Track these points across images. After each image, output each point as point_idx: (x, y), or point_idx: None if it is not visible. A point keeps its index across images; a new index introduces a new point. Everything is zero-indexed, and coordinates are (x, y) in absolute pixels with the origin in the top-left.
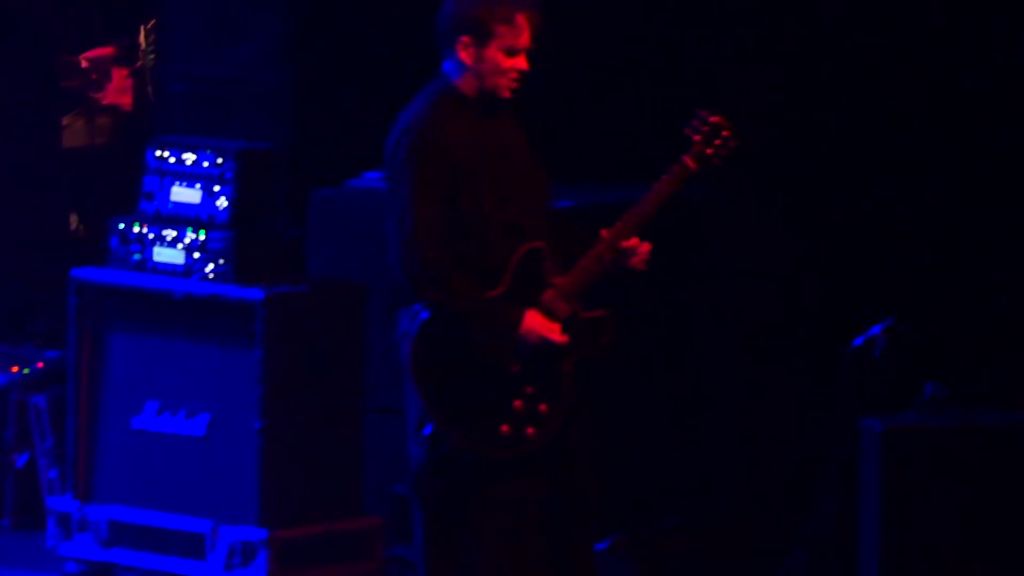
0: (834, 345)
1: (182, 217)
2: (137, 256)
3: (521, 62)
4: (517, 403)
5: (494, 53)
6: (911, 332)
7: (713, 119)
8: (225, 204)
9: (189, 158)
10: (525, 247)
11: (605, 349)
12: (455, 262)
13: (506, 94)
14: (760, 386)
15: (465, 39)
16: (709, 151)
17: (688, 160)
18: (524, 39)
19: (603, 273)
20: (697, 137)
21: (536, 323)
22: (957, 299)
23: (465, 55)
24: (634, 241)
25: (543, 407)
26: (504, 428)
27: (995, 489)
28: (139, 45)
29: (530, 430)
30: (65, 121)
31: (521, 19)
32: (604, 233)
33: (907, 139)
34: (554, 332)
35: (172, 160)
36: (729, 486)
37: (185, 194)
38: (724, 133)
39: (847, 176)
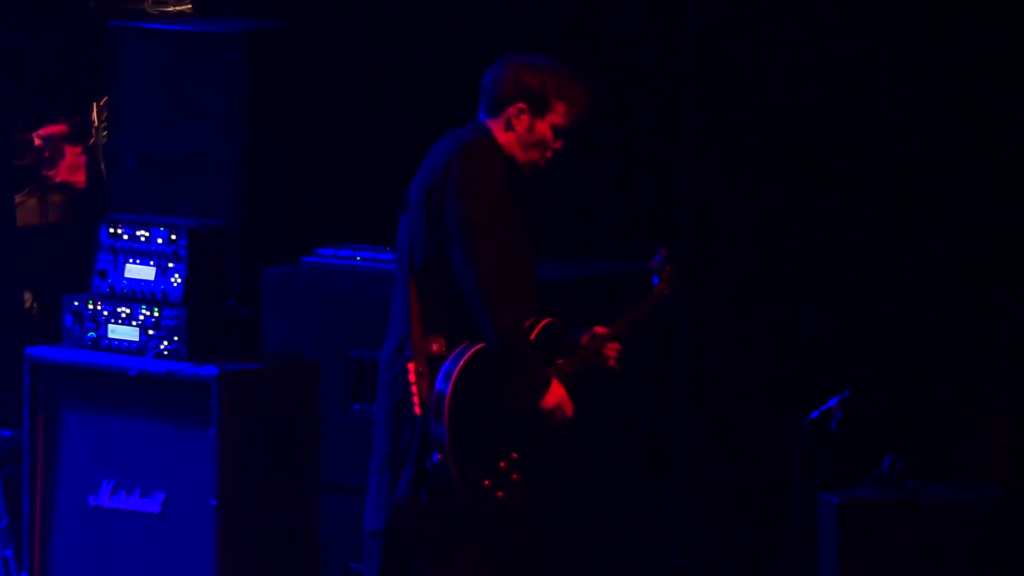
0: (791, 418)
1: (136, 294)
2: (92, 334)
3: (560, 144)
4: (503, 464)
5: (545, 128)
6: (867, 405)
7: (664, 251)
8: (179, 281)
9: (143, 235)
10: (548, 319)
11: (558, 440)
12: (520, 294)
13: (529, 171)
14: (717, 458)
15: (522, 105)
16: (671, 285)
17: (663, 287)
18: (572, 120)
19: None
20: (668, 268)
21: (559, 395)
22: (913, 372)
23: (517, 122)
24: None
25: (515, 476)
26: (487, 483)
27: (953, 563)
28: (92, 122)
29: (500, 493)
30: (18, 199)
31: (579, 99)
32: (598, 329)
33: (863, 216)
34: (569, 406)
35: (126, 237)
36: (686, 560)
37: (139, 271)
38: (667, 269)
39: (802, 251)
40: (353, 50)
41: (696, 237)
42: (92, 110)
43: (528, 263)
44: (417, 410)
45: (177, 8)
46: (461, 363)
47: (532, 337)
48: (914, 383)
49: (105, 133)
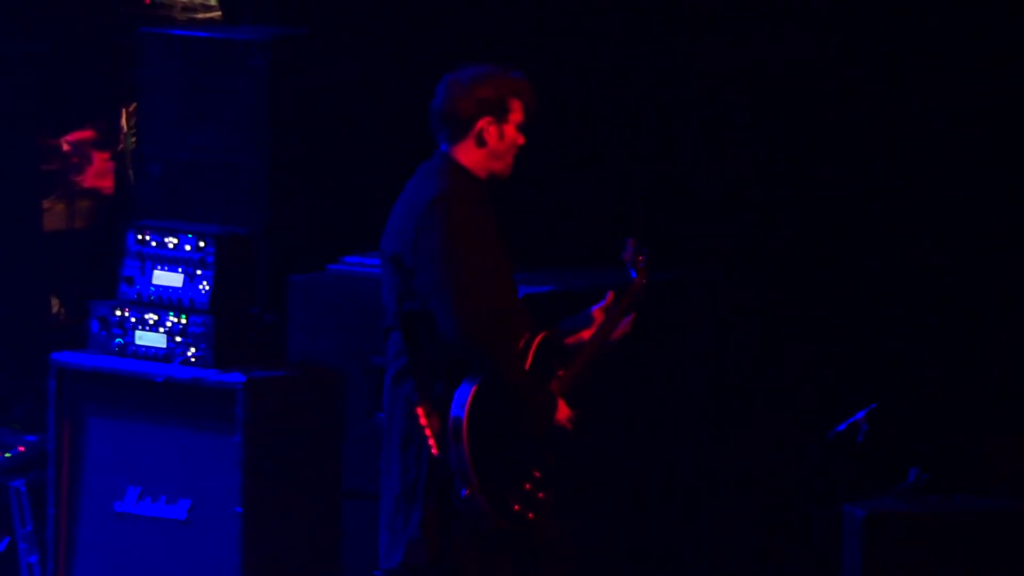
0: (817, 430)
1: (163, 301)
2: (118, 340)
3: (522, 138)
4: (527, 486)
5: (511, 130)
6: (894, 417)
7: (645, 250)
8: (206, 288)
9: (171, 242)
10: (542, 334)
11: (575, 450)
12: (506, 331)
13: (506, 176)
14: (742, 471)
15: (488, 118)
16: (646, 275)
17: (641, 279)
18: (528, 112)
19: (594, 369)
20: (640, 257)
21: (565, 412)
22: (940, 385)
23: (488, 135)
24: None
25: (541, 495)
26: (516, 507)
27: (977, 575)
28: (120, 128)
29: (531, 514)
30: (46, 204)
31: (528, 91)
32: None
33: (894, 228)
34: (572, 423)
35: (153, 244)
36: (711, 572)
37: (166, 278)
38: (640, 256)
39: (830, 260)
40: (379, 57)
41: (719, 247)
42: (120, 116)
43: (510, 285)
44: (435, 451)
45: (206, 15)
46: (471, 393)
47: (529, 358)
48: (940, 396)
49: (133, 139)
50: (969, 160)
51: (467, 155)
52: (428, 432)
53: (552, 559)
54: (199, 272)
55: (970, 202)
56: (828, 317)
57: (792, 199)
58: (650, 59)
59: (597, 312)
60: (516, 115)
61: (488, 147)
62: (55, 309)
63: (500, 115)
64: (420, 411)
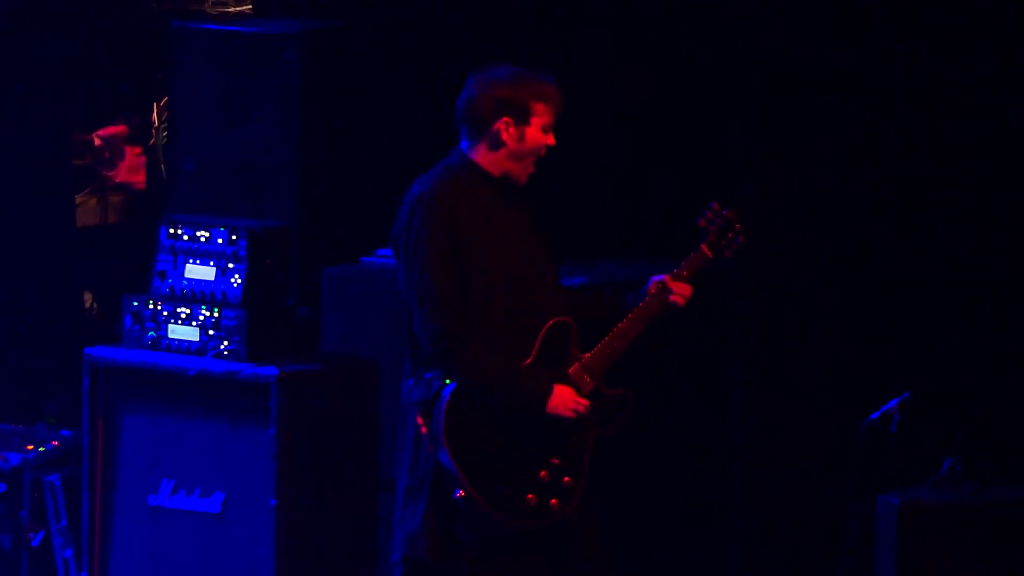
0: (851, 420)
1: (196, 295)
2: (151, 334)
3: (552, 139)
4: (543, 473)
5: (535, 132)
6: (928, 406)
7: (727, 213)
8: (239, 282)
9: (203, 236)
10: (552, 321)
11: (624, 427)
12: (476, 333)
13: (525, 178)
14: (775, 459)
15: (507, 119)
16: (723, 243)
17: (705, 248)
18: (553, 115)
19: (630, 347)
20: (712, 228)
21: (566, 394)
22: (975, 374)
23: (507, 136)
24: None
25: (567, 479)
26: (530, 497)
27: (1012, 565)
28: (152, 123)
29: (554, 501)
30: (78, 199)
31: (553, 95)
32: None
33: (929, 210)
34: (581, 405)
35: (186, 238)
36: (744, 562)
37: (199, 272)
38: (736, 227)
39: (865, 250)
40: (411, 49)
41: (752, 233)
42: (152, 111)
43: (515, 282)
44: (431, 448)
45: (237, 9)
46: (448, 396)
47: (535, 348)
48: (974, 385)
49: (165, 134)
50: (1003, 145)
51: (483, 154)
52: (424, 431)
53: (580, 548)
54: (232, 265)
55: (1007, 189)
56: (861, 304)
57: (826, 183)
58: (693, 51)
59: (652, 285)
60: (539, 119)
61: (507, 148)
62: (88, 304)
63: (520, 117)
64: (418, 413)
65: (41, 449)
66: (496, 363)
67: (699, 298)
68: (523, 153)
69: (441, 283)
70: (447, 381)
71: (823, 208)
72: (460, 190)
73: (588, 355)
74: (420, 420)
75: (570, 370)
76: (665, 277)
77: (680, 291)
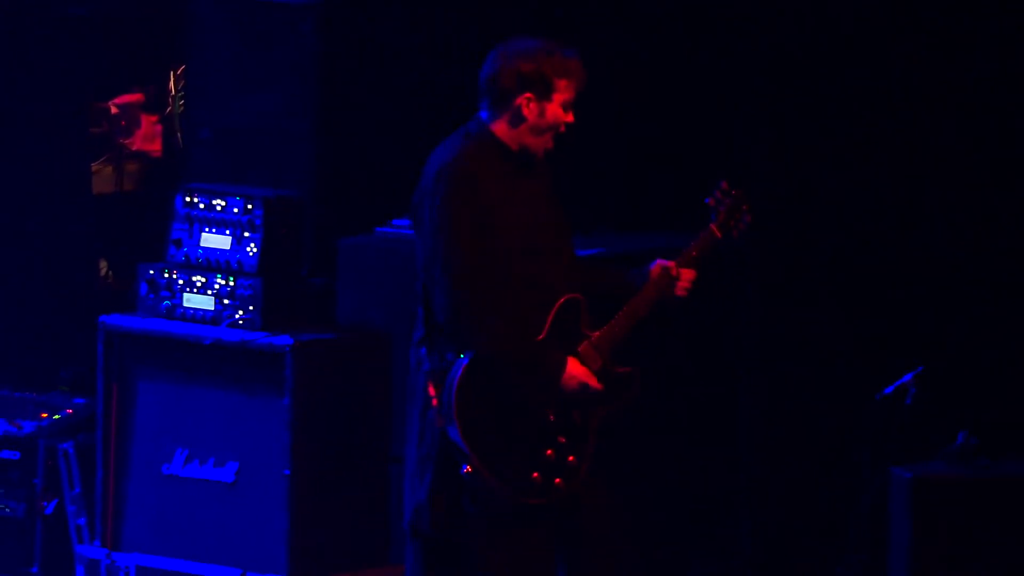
0: (864, 393)
1: (211, 264)
2: (167, 303)
3: (572, 117)
4: (549, 452)
5: (555, 108)
6: (942, 380)
7: (735, 192)
8: (254, 251)
9: (219, 204)
10: (564, 297)
11: (630, 404)
12: (496, 306)
13: (543, 153)
14: (787, 432)
15: (529, 95)
16: (731, 223)
17: (715, 228)
18: (576, 92)
19: (636, 327)
20: (722, 208)
21: (578, 371)
22: (989, 347)
23: (527, 112)
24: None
25: (572, 458)
26: (535, 475)
27: None
28: (168, 91)
29: (558, 480)
30: (94, 167)
31: (577, 71)
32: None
33: (942, 187)
34: (593, 380)
35: (202, 206)
36: (756, 535)
37: (215, 240)
38: (744, 207)
39: (878, 223)
40: (427, 19)
41: (767, 208)
42: (169, 79)
43: (531, 256)
44: (439, 422)
45: None
46: (462, 370)
47: (547, 324)
48: (988, 359)
49: (181, 102)
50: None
51: (503, 127)
52: (435, 403)
53: (591, 525)
54: (247, 234)
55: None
56: (876, 279)
57: (840, 164)
58: (711, 28)
59: (655, 268)
60: (561, 95)
61: (527, 123)
62: (103, 272)
63: (542, 93)
64: (430, 384)
65: (55, 417)
66: (516, 337)
67: (709, 275)
68: (542, 128)
69: (467, 255)
70: (460, 355)
71: (836, 186)
72: (482, 161)
73: (597, 333)
74: (432, 392)
75: (580, 347)
76: (671, 264)
77: (686, 277)
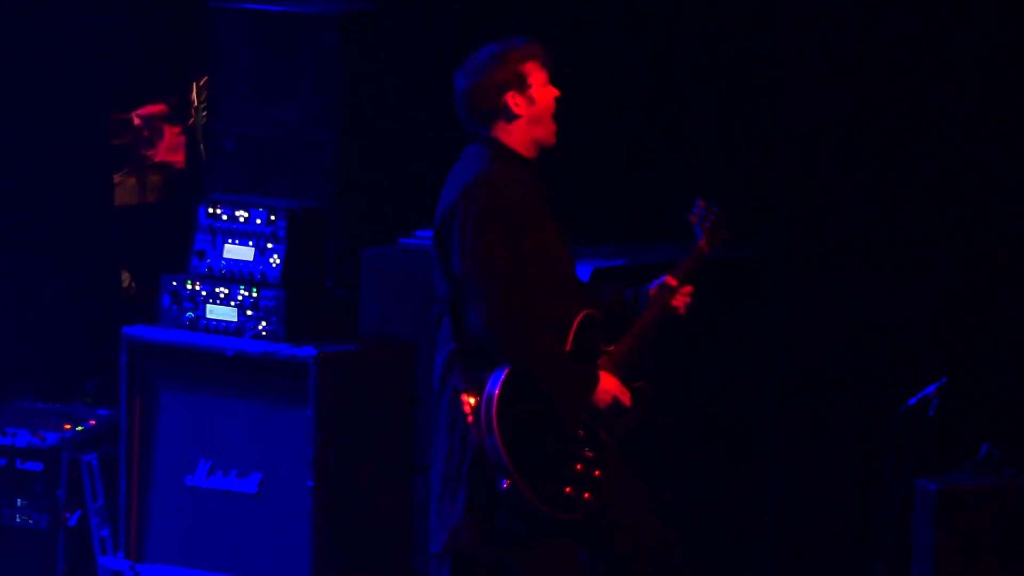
0: (888, 405)
1: (235, 275)
2: (190, 314)
3: (555, 89)
4: (578, 466)
5: (538, 90)
6: (966, 392)
7: (716, 210)
8: (278, 262)
9: (242, 216)
10: (584, 312)
11: (642, 420)
12: (534, 319)
13: (552, 140)
14: (812, 444)
15: (510, 93)
16: (715, 240)
17: (703, 245)
18: (544, 66)
19: (646, 344)
20: (707, 225)
21: (611, 385)
22: (1012, 359)
23: (517, 108)
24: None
25: (598, 473)
26: (567, 490)
27: None
28: (191, 102)
29: (587, 495)
30: (117, 179)
31: (535, 51)
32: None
33: (966, 199)
34: (626, 395)
35: (224, 218)
36: (781, 546)
37: (238, 252)
38: (723, 221)
39: (900, 237)
40: (449, 30)
41: (792, 221)
42: (191, 90)
43: (547, 269)
44: (476, 435)
45: None
46: (500, 382)
47: (570, 338)
48: (1012, 370)
49: (204, 113)
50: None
51: (507, 132)
52: (471, 420)
53: (617, 537)
54: (270, 245)
55: None
56: (898, 290)
57: (863, 169)
58: (729, 31)
59: (653, 290)
60: (535, 76)
61: (524, 117)
62: (126, 283)
63: (520, 86)
64: (464, 399)
65: (79, 428)
66: (554, 350)
67: (736, 287)
68: (539, 115)
69: (503, 267)
70: (495, 369)
71: (862, 193)
72: (505, 174)
73: (613, 348)
74: (467, 408)
75: (600, 361)
76: (672, 282)
77: (684, 293)
